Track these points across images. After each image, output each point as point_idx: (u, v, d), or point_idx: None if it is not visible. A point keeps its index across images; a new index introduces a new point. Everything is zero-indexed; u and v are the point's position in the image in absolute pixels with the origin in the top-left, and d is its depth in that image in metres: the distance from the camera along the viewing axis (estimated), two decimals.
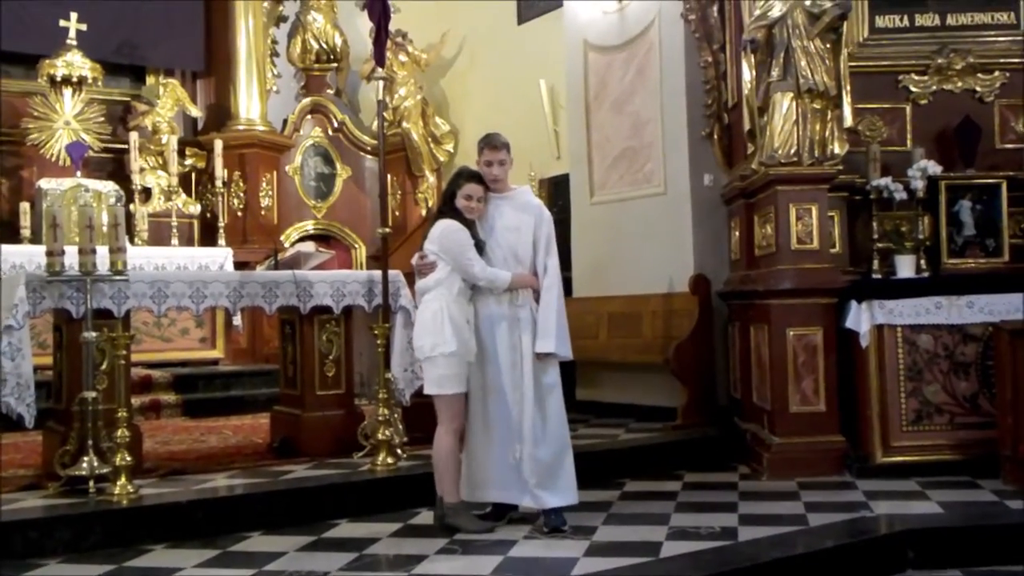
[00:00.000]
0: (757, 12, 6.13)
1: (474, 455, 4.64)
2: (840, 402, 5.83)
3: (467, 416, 4.62)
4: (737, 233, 6.86)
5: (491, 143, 4.67)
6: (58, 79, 9.29)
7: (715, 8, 7.25)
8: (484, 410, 4.60)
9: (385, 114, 6.16)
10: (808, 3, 5.98)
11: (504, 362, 4.57)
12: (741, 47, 6.33)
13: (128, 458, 4.80)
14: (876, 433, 5.70)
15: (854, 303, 5.76)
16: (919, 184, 6.11)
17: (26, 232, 8.80)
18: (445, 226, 4.59)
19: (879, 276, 6.11)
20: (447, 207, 4.67)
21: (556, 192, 9.17)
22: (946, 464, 5.59)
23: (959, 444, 5.66)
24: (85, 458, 4.90)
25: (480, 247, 4.58)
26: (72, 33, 9.33)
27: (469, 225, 4.59)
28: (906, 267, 6.06)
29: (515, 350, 4.57)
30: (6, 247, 8.35)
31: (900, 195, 6.11)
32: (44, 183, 8.96)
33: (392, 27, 7.61)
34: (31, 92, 9.43)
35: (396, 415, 5.81)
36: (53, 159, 9.27)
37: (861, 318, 5.70)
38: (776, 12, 6.01)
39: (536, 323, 4.57)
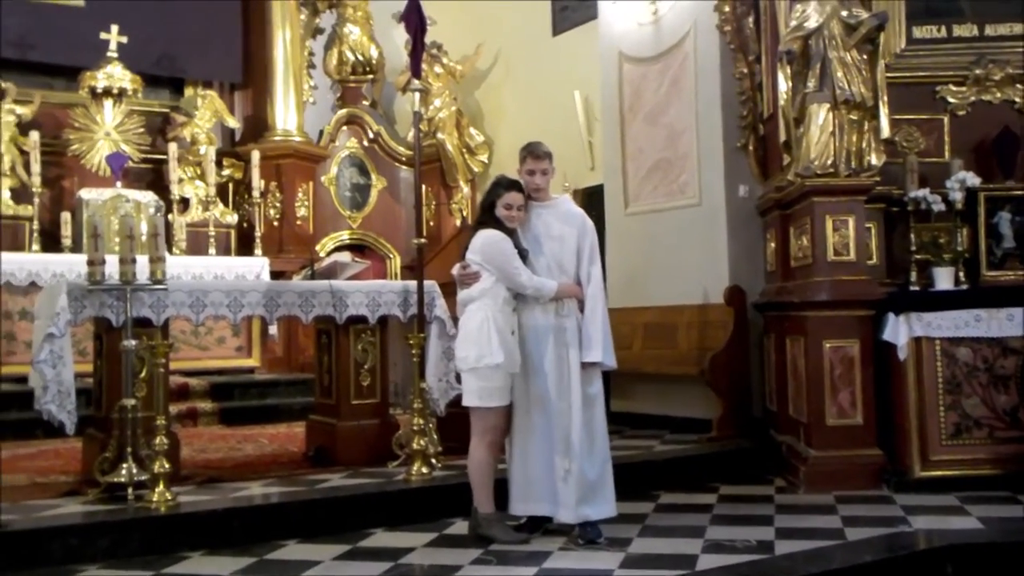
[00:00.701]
0: (793, 23, 6.10)
1: (516, 468, 4.62)
2: (877, 415, 5.78)
3: (510, 429, 4.61)
4: (773, 244, 6.82)
5: (534, 152, 4.66)
6: (99, 91, 9.45)
7: (751, 19, 7.22)
8: (528, 422, 4.58)
9: (420, 125, 6.20)
10: (845, 14, 5.96)
11: (551, 373, 4.54)
12: (777, 58, 6.30)
13: (166, 465, 4.85)
14: (914, 447, 5.64)
15: (892, 315, 5.70)
16: (957, 195, 6.04)
17: (67, 241, 8.93)
18: (488, 236, 4.57)
19: (917, 288, 6.05)
20: (487, 216, 4.64)
21: (590, 203, 9.17)
22: (986, 479, 5.52)
23: (999, 458, 5.58)
24: (124, 465, 4.96)
25: (523, 256, 4.56)
26: (113, 46, 9.47)
27: (510, 234, 4.59)
28: (944, 279, 5.99)
29: (562, 361, 4.54)
30: (48, 256, 8.52)
31: (938, 206, 6.06)
32: (85, 193, 9.11)
33: (428, 39, 7.64)
34: (72, 104, 9.58)
35: (431, 425, 5.83)
36: (94, 169, 9.42)
37: (899, 330, 5.65)
38: (813, 23, 5.98)
39: (581, 333, 4.57)
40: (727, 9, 7.27)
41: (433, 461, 5.67)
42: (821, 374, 5.79)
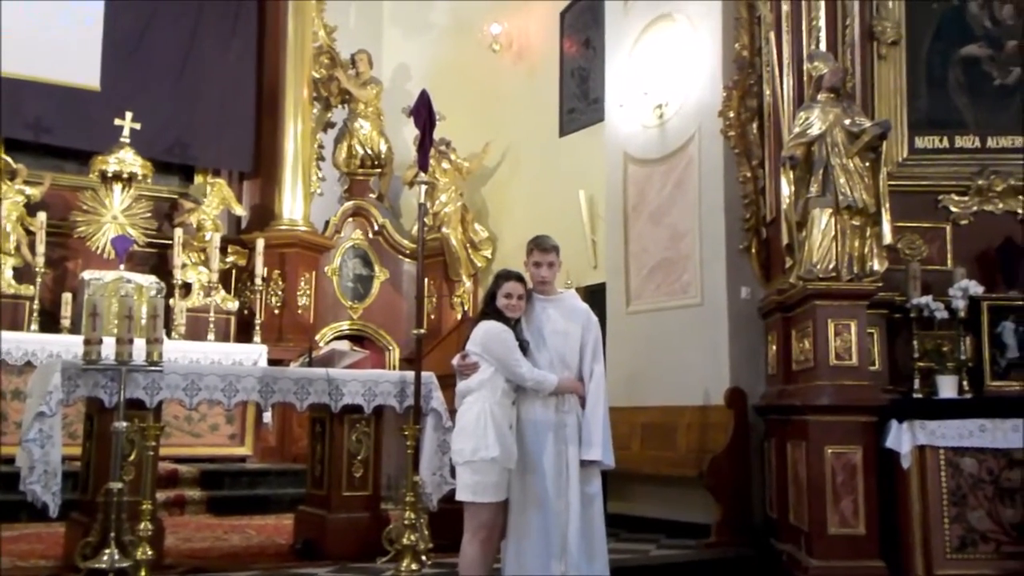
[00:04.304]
0: (796, 129, 6.19)
1: (510, 568, 4.46)
2: (881, 525, 5.64)
3: (505, 526, 4.47)
4: (774, 347, 6.77)
5: (541, 245, 4.66)
6: (109, 175, 9.54)
7: (754, 125, 7.35)
8: (523, 521, 4.43)
9: (425, 219, 6.23)
10: (848, 122, 6.04)
11: (549, 470, 4.42)
12: (780, 163, 6.37)
13: (149, 552, 4.73)
14: (919, 560, 5.50)
15: (895, 422, 5.63)
16: (960, 304, 6.03)
17: (66, 322, 8.90)
18: (489, 327, 4.53)
19: (920, 396, 5.98)
20: (490, 308, 4.60)
21: (592, 301, 9.08)
22: None
23: (1007, 574, 5.42)
24: (106, 551, 4.83)
25: (524, 348, 4.50)
26: (126, 131, 9.60)
27: (512, 326, 4.54)
28: (948, 388, 5.93)
29: (560, 457, 4.44)
30: (46, 336, 8.48)
31: (941, 314, 6.04)
32: (87, 274, 9.11)
33: (436, 135, 7.73)
34: (82, 187, 9.67)
35: (422, 520, 5.69)
36: (98, 252, 9.45)
37: (902, 438, 5.57)
38: (815, 130, 6.06)
39: (581, 430, 4.48)
40: (731, 115, 7.40)
41: (423, 558, 5.52)
42: (823, 481, 5.68)
